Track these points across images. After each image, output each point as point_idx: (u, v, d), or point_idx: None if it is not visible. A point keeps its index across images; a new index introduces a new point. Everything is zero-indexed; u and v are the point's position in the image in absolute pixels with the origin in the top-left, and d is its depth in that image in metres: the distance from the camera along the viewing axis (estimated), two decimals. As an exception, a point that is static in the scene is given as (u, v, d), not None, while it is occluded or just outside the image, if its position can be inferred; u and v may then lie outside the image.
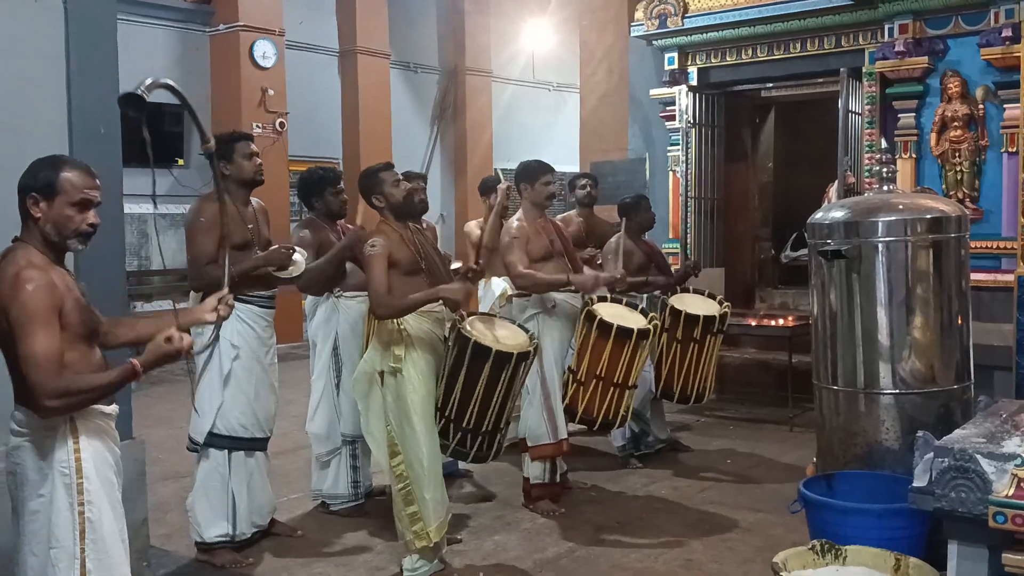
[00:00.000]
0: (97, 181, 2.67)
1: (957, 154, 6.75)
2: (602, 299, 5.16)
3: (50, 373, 2.45)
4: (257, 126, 10.95)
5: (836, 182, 6.97)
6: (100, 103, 3.80)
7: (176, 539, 4.64)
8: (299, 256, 4.45)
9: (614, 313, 5.01)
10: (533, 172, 5.13)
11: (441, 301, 4.11)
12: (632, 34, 8.54)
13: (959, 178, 6.77)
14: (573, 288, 5.07)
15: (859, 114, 7.20)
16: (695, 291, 6.08)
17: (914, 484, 2.92)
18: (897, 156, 6.87)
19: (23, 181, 2.62)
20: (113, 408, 2.74)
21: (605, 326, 4.87)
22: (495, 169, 13.47)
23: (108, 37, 3.85)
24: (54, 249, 2.65)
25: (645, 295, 5.95)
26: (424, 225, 5.22)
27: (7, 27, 3.60)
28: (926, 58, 6.80)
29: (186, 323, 2.77)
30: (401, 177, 4.34)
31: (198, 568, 4.33)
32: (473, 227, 6.14)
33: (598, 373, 4.91)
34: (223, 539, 4.37)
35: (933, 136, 6.85)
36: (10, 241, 2.66)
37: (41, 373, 2.44)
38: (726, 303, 5.92)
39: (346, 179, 12.46)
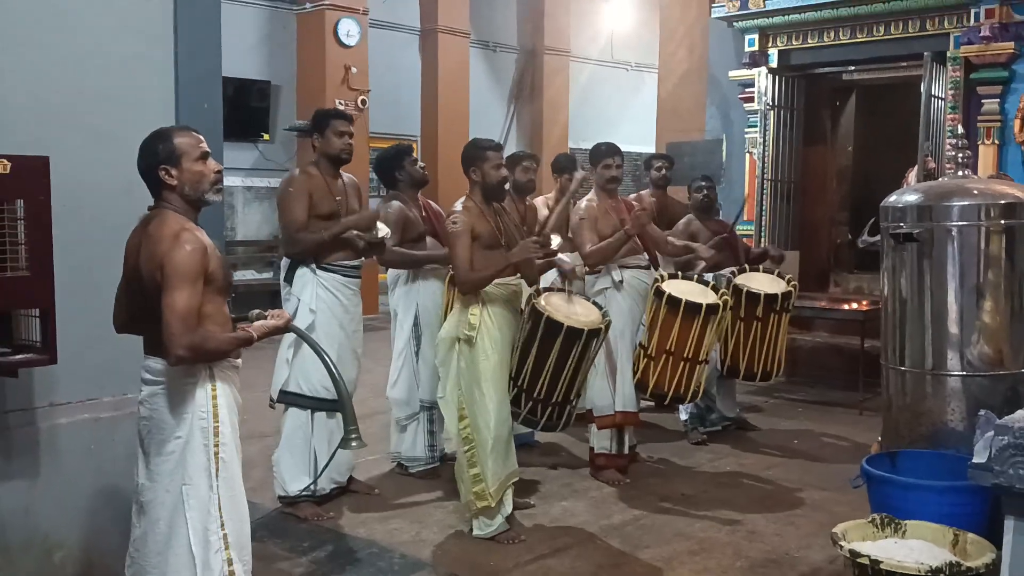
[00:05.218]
0: (199, 134, 2.94)
1: (1041, 141, 6.65)
2: (672, 276, 5.26)
3: (188, 326, 2.70)
4: (340, 103, 11.21)
5: (916, 167, 6.91)
6: (204, 80, 4.07)
7: (261, 493, 4.89)
8: (384, 228, 4.70)
9: (684, 289, 5.11)
10: (598, 155, 5.30)
11: (519, 274, 4.31)
12: (713, 15, 8.55)
13: (1042, 165, 6.67)
14: (644, 264, 5.20)
15: (942, 99, 7.11)
16: (764, 271, 6.11)
17: (973, 460, 2.98)
18: (979, 142, 6.79)
19: (146, 162, 2.86)
20: (239, 361, 3.00)
21: (674, 301, 4.98)
22: (569, 148, 13.57)
23: (212, 18, 4.10)
24: (194, 208, 2.91)
25: (711, 274, 5.95)
26: (526, 203, 5.59)
27: (120, 6, 3.86)
28: (1012, 43, 6.71)
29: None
30: (504, 163, 4.46)
31: (282, 519, 4.60)
32: (540, 204, 6.25)
33: (668, 348, 5.03)
34: (305, 493, 4.63)
35: (1017, 123, 6.76)
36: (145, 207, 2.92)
37: (180, 325, 2.69)
38: (793, 282, 5.93)
39: (424, 156, 12.57)
